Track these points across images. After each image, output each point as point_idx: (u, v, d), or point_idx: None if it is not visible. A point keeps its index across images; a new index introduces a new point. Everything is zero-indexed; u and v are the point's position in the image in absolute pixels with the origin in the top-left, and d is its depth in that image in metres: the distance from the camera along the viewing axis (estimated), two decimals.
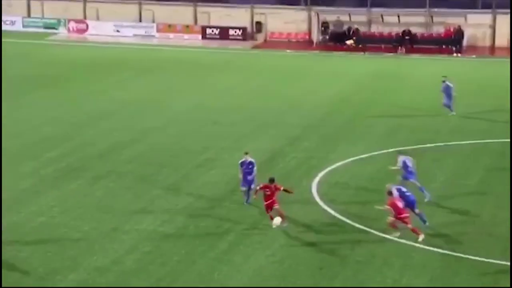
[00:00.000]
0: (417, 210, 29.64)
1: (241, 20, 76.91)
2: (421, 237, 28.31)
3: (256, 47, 74.37)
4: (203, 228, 29.39)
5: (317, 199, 32.89)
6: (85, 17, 79.43)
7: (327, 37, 74.54)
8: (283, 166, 37.41)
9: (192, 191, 33.60)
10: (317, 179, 35.25)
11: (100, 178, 35.24)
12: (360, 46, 71.60)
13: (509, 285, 24.49)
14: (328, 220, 30.40)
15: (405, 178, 32.53)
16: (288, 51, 71.46)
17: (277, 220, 29.08)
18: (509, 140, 39.53)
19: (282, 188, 29.82)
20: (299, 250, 27.84)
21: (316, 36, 75.18)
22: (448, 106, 46.45)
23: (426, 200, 31.96)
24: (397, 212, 28.50)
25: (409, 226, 28.44)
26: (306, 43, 75.10)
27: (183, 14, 78.12)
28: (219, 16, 77.49)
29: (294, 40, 75.66)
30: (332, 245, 28.30)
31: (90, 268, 26.13)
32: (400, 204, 28.63)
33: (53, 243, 28.08)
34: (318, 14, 75.28)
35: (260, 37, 76.82)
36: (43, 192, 33.55)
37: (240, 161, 32.35)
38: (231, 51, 71.68)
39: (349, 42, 72.18)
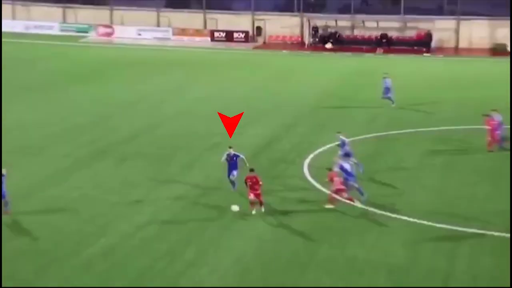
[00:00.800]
0: (356, 184, 29.70)
1: (244, 25, 76.94)
2: (357, 203, 28.77)
3: (256, 48, 74.35)
4: (213, 200, 29.57)
5: (308, 176, 32.99)
6: (111, 23, 79.38)
7: (317, 39, 74.60)
8: (279, 148, 37.53)
9: (203, 170, 33.77)
10: (308, 160, 35.38)
11: (125, 159, 35.39)
12: (338, 47, 71.73)
13: None
14: (317, 194, 30.56)
15: (345, 155, 32.63)
16: (283, 51, 71.48)
17: (235, 208, 27.87)
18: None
19: (261, 183, 28.15)
20: (293, 220, 27.96)
21: (307, 39, 75.26)
22: (389, 98, 45.97)
23: (361, 171, 32.01)
24: (335, 185, 28.78)
25: (345, 195, 28.86)
26: (299, 45, 75.14)
27: (194, 20, 78.13)
28: (225, 21, 77.49)
29: (289, 42, 75.72)
30: (321, 216, 28.44)
31: (118, 233, 26.33)
32: (338, 178, 28.84)
33: (86, 213, 28.31)
34: (309, 20, 75.38)
35: (260, 40, 76.82)
36: (78, 170, 33.71)
37: (225, 153, 30.86)
38: (235, 51, 71.68)
39: (328, 45, 72.34)
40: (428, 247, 25.52)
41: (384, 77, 46.62)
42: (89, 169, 33.85)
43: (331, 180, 29.19)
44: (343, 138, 33.88)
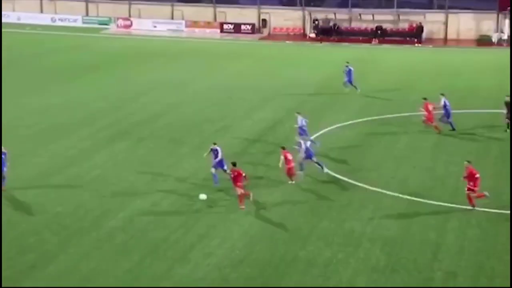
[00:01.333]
0: (315, 159, 29.85)
1: (251, 17, 76.40)
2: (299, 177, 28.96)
3: (262, 39, 73.83)
4: (222, 179, 29.26)
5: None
6: (130, 16, 78.91)
7: (317, 31, 74.09)
8: (282, 131, 37.28)
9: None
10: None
11: (141, 140, 35.23)
12: (320, 37, 71.47)
13: None
14: (318, 173, 30.37)
15: (301, 134, 32.62)
16: (287, 42, 70.99)
17: (203, 196, 26.82)
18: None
19: (244, 175, 26.70)
20: (296, 197, 27.88)
21: (308, 31, 74.80)
22: (351, 84, 44.90)
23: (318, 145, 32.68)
24: (287, 163, 28.85)
25: (299, 173, 29.13)
26: (301, 36, 74.55)
27: (205, 13, 77.64)
28: (233, 14, 76.95)
29: (291, 33, 75.13)
30: (320, 193, 28.31)
31: (135, 209, 26.27)
32: (290, 156, 28.92)
33: (106, 190, 28.20)
34: (310, 13, 74.85)
35: (265, 31, 76.27)
36: (98, 151, 33.57)
37: (210, 147, 29.40)
38: (242, 42, 71.22)
39: (311, 35, 72.23)
40: (419, 221, 25.38)
41: (347, 65, 45.67)
42: (108, 150, 33.69)
43: (285, 157, 29.09)
44: (302, 118, 33.85)
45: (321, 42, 70.15)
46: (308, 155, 29.71)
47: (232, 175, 26.84)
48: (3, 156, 27.68)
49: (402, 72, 53.76)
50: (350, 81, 45.35)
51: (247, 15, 76.51)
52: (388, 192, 28.07)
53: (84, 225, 24.81)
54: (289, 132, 37.04)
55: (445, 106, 36.70)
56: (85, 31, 74.36)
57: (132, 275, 21.34)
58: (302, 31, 75.49)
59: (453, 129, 36.63)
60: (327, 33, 72.99)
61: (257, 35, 74.83)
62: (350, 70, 45.46)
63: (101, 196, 27.48)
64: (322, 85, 48.94)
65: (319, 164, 29.93)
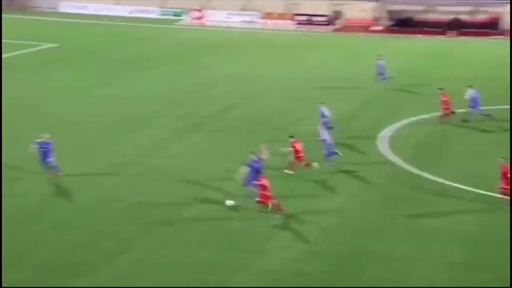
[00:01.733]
0: (335, 150, 29.95)
1: (324, 9, 75.92)
2: (315, 165, 28.81)
3: (336, 30, 73.29)
4: (299, 167, 29.24)
5: (384, 150, 32.49)
6: (203, 7, 79.45)
7: (392, 23, 73.04)
8: (356, 123, 36.97)
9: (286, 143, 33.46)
10: (386, 134, 34.80)
11: (216, 131, 35.40)
12: (394, 29, 70.14)
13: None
14: (394, 166, 29.96)
15: (324, 124, 32.44)
16: (360, 33, 70.25)
17: (229, 202, 25.53)
18: None
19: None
20: (372, 191, 27.60)
21: (383, 22, 73.81)
22: (384, 78, 44.17)
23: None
24: (296, 152, 28.74)
25: (303, 163, 28.84)
26: (375, 28, 73.62)
27: (279, 4, 77.45)
28: (307, 6, 76.57)
29: (366, 25, 74.28)
30: (398, 187, 27.91)
31: (211, 199, 26.30)
32: (298, 146, 28.90)
33: (183, 180, 28.39)
34: (385, 5, 73.87)
35: (339, 23, 75.68)
36: (175, 141, 33.91)
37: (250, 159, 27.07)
38: (316, 34, 70.80)
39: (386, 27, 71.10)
40: (499, 217, 24.72)
41: (378, 59, 45.08)
42: (185, 140, 33.99)
43: (293, 147, 29.08)
44: (324, 109, 33.60)
45: (395, 34, 69.22)
46: (329, 152, 29.69)
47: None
48: (48, 146, 28.10)
49: (481, 64, 52.45)
50: (381, 74, 44.60)
51: (321, 6, 76.00)
52: (467, 188, 27.45)
53: (161, 214, 25.08)
54: (365, 125, 36.73)
55: (473, 98, 36.21)
56: (160, 23, 75.10)
57: (208, 266, 21.45)
58: (376, 22, 74.51)
59: (467, 120, 36.30)
60: (402, 24, 71.88)
61: (330, 27, 74.27)
62: (381, 63, 44.74)
63: (178, 186, 27.71)
64: (396, 78, 48.07)
65: (335, 153, 29.95)
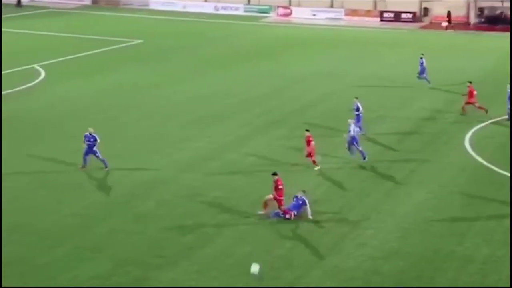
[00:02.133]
0: (359, 147, 30.03)
1: (412, 6, 74.80)
2: (319, 166, 29.20)
3: (423, 27, 72.13)
4: (376, 168, 29.13)
5: (469, 149, 31.99)
6: (290, 4, 79.59)
7: (482, 20, 71.31)
8: (441, 122, 36.40)
9: (368, 140, 33.32)
10: (469, 134, 34.15)
11: (296, 128, 35.31)
12: (452, 25, 68.57)
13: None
14: (476, 166, 29.40)
15: (357, 119, 32.73)
16: (449, 31, 68.85)
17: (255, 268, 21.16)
18: None
19: (281, 187, 24.83)
20: (452, 191, 27.21)
21: (473, 19, 72.12)
22: (425, 78, 43.55)
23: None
24: (310, 147, 29.28)
25: (313, 157, 29.36)
26: (464, 25, 72.05)
27: (365, 1, 76.82)
28: (394, 3, 75.60)
29: (454, 22, 72.73)
30: (479, 189, 27.42)
31: (290, 196, 25.73)
32: (311, 139, 29.47)
33: (261, 176, 28.47)
34: (475, 1, 72.20)
35: (426, 20, 74.45)
36: (254, 137, 34.20)
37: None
38: (402, 31, 69.83)
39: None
40: None
41: (421, 57, 44.09)
42: (264, 137, 34.22)
43: (308, 142, 29.16)
44: (358, 103, 33.51)
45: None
46: (352, 141, 29.69)
47: (274, 184, 25.00)
48: (93, 139, 28.79)
49: None
50: (422, 73, 43.82)
51: (408, 3, 74.90)
52: None
53: (240, 209, 25.41)
54: (449, 123, 36.16)
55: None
56: (246, 20, 75.71)
57: (284, 261, 21.65)
58: (466, 19, 72.91)
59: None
60: (494, 21, 70.05)
61: (418, 24, 73.14)
62: (422, 62, 43.95)
63: (256, 182, 28.00)
64: (485, 75, 47.08)
65: (361, 153, 29.86)
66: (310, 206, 24.75)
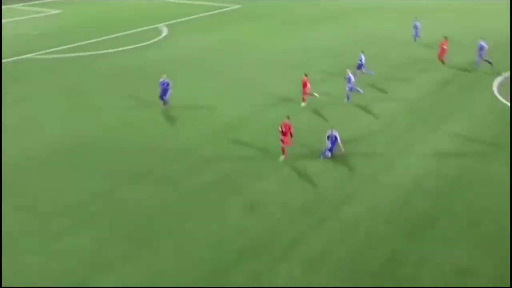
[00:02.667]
0: (359, 89, 29.30)
1: None
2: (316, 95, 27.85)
3: None
4: (423, 106, 28.62)
5: (496, 93, 31.39)
6: None
7: None
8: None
9: (418, 88, 32.74)
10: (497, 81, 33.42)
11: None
12: None
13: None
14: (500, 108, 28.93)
15: (359, 68, 32.28)
16: None
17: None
18: None
19: (291, 131, 22.05)
20: (479, 125, 26.67)
21: None
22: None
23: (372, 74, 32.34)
24: (307, 89, 27.79)
25: (310, 94, 28.07)
26: None
27: None
28: None
29: None
30: (504, 125, 26.79)
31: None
32: (308, 84, 27.87)
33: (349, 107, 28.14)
34: None
35: None
36: (323, 82, 33.32)
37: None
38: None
39: None
40: None
41: (415, 20, 42.05)
42: (340, 78, 32.37)
43: (304, 85, 27.88)
44: (362, 55, 32.37)
45: None
46: (349, 85, 28.61)
47: (282, 129, 22.03)
48: (165, 84, 27.86)
49: None
50: (416, 35, 41.80)
51: None
52: None
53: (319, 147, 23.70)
54: (479, 76, 34.75)
55: (481, 48, 34.30)
56: None
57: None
58: None
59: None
60: None
61: None
62: (416, 25, 41.68)
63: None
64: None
65: (357, 91, 29.08)
66: (341, 142, 22.17)
